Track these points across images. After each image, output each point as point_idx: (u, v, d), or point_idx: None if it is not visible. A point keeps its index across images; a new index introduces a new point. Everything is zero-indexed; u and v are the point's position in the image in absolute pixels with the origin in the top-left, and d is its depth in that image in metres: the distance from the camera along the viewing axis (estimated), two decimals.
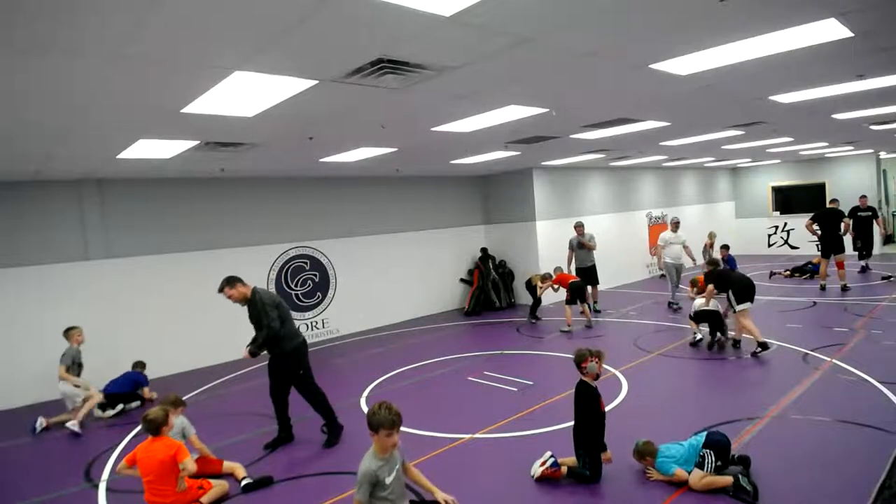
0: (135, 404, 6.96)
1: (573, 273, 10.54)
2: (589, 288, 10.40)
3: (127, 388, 6.93)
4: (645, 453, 4.19)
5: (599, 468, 4.18)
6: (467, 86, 4.36)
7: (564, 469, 4.23)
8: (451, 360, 8.10)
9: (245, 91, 3.92)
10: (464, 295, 12.44)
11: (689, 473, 3.96)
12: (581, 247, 10.59)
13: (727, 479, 3.82)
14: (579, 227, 10.71)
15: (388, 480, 3.12)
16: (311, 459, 5.02)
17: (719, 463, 3.91)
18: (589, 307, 9.92)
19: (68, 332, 6.52)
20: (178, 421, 4.63)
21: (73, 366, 6.39)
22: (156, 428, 4.04)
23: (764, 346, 7.00)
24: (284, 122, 5.17)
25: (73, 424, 6.12)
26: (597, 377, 4.22)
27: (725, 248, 11.80)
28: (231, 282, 5.14)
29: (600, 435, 4.21)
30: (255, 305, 5.11)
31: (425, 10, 2.73)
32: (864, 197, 12.38)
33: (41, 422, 6.25)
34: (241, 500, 4.35)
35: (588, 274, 10.56)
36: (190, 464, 4.00)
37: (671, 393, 6.27)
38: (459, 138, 6.85)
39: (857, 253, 12.38)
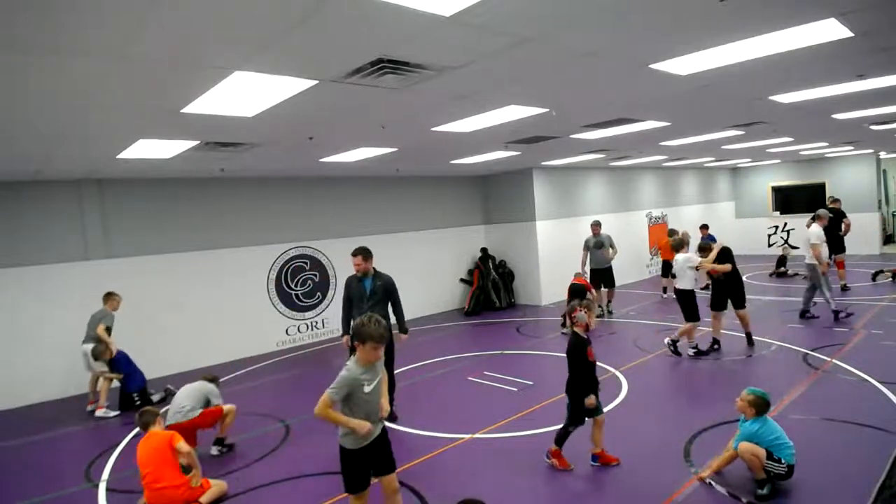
0: (156, 397, 7.10)
1: (587, 273, 10.39)
2: (604, 289, 10.44)
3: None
4: (755, 406, 3.95)
5: (582, 413, 4.31)
6: (467, 86, 4.36)
7: (554, 448, 4.39)
8: (451, 360, 8.10)
9: (245, 91, 3.92)
10: (464, 295, 12.44)
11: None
12: (599, 247, 10.43)
13: (763, 462, 3.80)
14: (595, 226, 10.56)
15: (367, 389, 3.20)
16: (311, 459, 5.02)
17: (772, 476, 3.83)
18: (603, 309, 9.98)
19: (108, 297, 6.93)
20: (207, 387, 5.13)
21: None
22: (145, 424, 4.31)
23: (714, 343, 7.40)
24: (284, 122, 5.16)
25: (103, 412, 6.52)
26: (587, 328, 4.32)
27: (705, 227, 12.07)
28: (370, 253, 5.68)
29: (590, 382, 4.31)
30: (389, 285, 5.73)
31: (425, 10, 2.73)
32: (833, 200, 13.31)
33: (93, 407, 6.69)
34: (241, 500, 4.36)
35: (604, 276, 10.46)
36: (184, 446, 4.15)
37: (671, 393, 6.28)
38: (459, 138, 6.85)
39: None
